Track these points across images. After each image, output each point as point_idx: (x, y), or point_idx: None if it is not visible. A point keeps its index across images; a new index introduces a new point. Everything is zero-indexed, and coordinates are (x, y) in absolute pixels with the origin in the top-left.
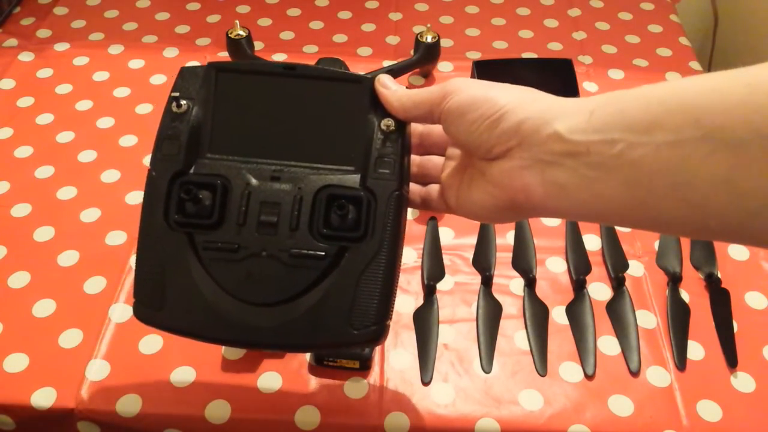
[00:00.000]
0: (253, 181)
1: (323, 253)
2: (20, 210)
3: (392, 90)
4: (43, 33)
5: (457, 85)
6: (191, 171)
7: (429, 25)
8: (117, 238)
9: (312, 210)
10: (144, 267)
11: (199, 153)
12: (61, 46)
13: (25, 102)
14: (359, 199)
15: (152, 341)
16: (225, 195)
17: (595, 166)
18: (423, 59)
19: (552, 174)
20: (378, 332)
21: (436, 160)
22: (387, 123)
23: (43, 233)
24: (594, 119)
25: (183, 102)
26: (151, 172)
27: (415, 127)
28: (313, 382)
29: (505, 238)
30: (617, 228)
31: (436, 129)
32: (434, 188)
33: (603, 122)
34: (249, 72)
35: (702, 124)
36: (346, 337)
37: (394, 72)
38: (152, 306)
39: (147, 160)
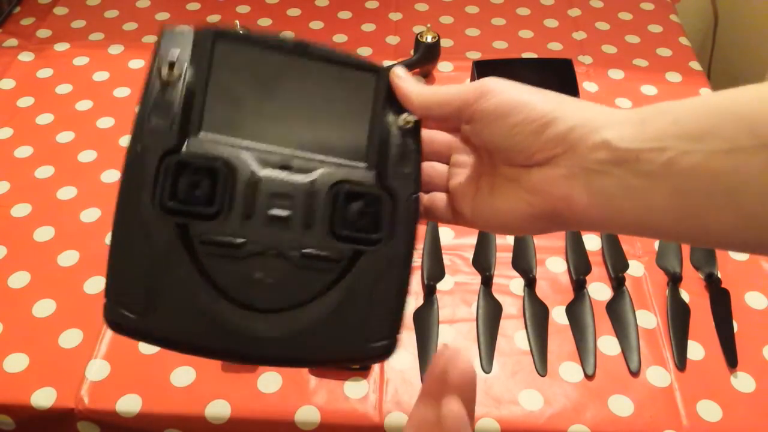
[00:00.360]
0: (260, 169)
1: (339, 256)
2: (20, 210)
3: (412, 84)
4: (43, 33)
5: (494, 86)
6: (183, 150)
7: (429, 25)
8: None
9: (329, 207)
10: (122, 259)
11: (190, 130)
12: (61, 46)
13: (25, 102)
14: (379, 199)
15: None
16: (229, 181)
17: (643, 174)
18: (423, 59)
19: (598, 183)
20: (390, 347)
21: (439, 167)
22: (407, 119)
23: (43, 233)
24: (646, 128)
25: (175, 67)
26: (135, 146)
27: None
28: (313, 382)
29: (504, 238)
30: None
31: (439, 136)
32: (438, 197)
33: (655, 131)
34: (252, 44)
35: (757, 133)
36: (360, 351)
37: None
38: (132, 309)
39: None
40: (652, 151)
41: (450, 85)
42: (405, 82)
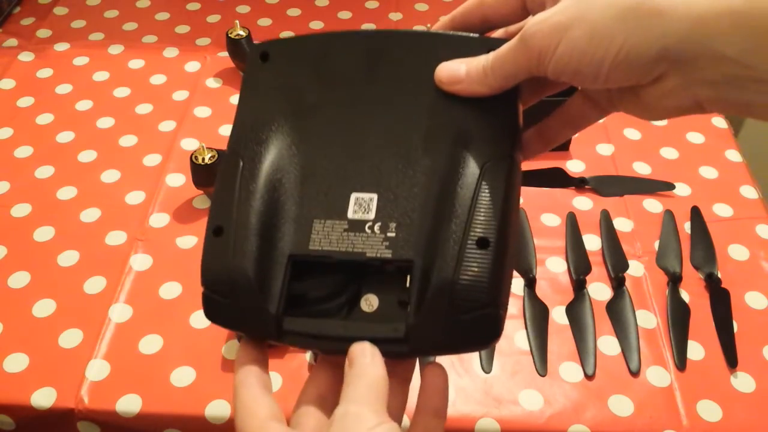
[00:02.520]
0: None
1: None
2: (20, 210)
3: (463, 75)
4: (43, 33)
5: (543, 42)
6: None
7: (429, 25)
8: (117, 238)
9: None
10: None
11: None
12: (61, 46)
13: (25, 102)
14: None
15: (152, 341)
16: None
17: None
18: None
19: (730, 94)
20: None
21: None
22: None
23: (43, 233)
24: None
25: None
26: None
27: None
28: None
29: None
30: (617, 228)
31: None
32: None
33: None
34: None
35: None
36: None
37: None
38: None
39: (147, 161)
40: None
41: (498, 53)
42: (458, 84)
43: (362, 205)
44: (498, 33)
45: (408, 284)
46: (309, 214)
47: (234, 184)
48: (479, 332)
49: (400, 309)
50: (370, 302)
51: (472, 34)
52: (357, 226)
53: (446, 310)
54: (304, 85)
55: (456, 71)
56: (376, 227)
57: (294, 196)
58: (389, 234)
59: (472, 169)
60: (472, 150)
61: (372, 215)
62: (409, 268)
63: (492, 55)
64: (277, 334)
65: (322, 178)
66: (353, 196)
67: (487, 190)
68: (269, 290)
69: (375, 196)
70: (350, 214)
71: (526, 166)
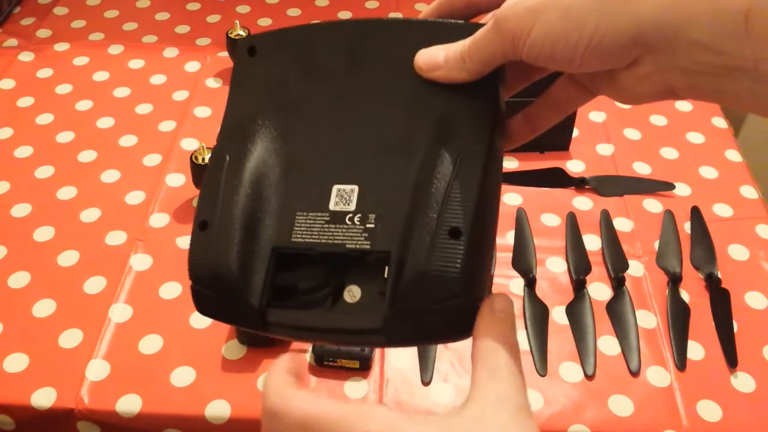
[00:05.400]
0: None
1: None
2: (20, 210)
3: (441, 61)
4: (43, 33)
5: (516, 25)
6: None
7: None
8: (117, 238)
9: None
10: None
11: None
12: (61, 46)
13: (25, 102)
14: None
15: (152, 341)
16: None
17: (766, 81)
18: None
19: (703, 81)
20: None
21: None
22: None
23: (43, 233)
24: (754, 27)
25: None
26: None
27: None
28: (313, 382)
29: (505, 238)
30: (617, 228)
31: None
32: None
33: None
34: None
35: None
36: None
37: None
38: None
39: (147, 161)
40: None
41: (475, 38)
42: (436, 66)
43: (343, 196)
44: (487, 18)
45: (386, 275)
46: (292, 207)
47: (219, 179)
48: (453, 323)
49: (381, 300)
50: (352, 293)
51: (454, 21)
52: (338, 217)
53: (419, 300)
54: (290, 78)
55: (434, 57)
56: (356, 218)
57: (278, 189)
58: (368, 225)
59: (449, 158)
60: (451, 138)
61: (353, 207)
62: (388, 259)
63: (469, 40)
64: (261, 326)
65: (305, 170)
66: (335, 187)
67: (462, 179)
68: (252, 282)
69: (356, 188)
70: (332, 206)
71: (526, 166)
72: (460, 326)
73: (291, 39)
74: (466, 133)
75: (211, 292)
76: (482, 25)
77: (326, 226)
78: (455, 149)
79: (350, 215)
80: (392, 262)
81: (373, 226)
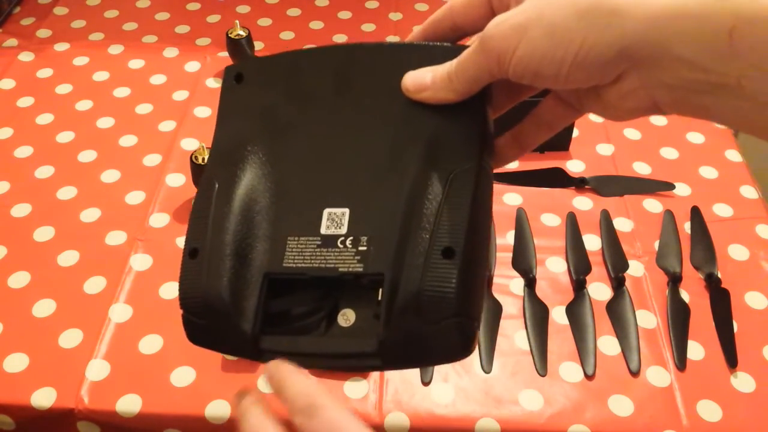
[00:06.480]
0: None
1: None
2: (20, 210)
3: (428, 82)
4: (43, 33)
5: (502, 44)
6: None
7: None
8: (117, 238)
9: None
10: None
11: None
12: (61, 46)
13: (25, 102)
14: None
15: (152, 341)
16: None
17: (750, 98)
18: None
19: (687, 97)
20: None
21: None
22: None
23: (43, 233)
24: (738, 44)
25: None
26: None
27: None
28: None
29: (505, 238)
30: (617, 228)
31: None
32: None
33: (751, 48)
34: None
35: None
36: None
37: None
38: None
39: (147, 161)
40: (762, 77)
41: (461, 60)
42: (423, 88)
43: (335, 220)
44: (472, 40)
45: (380, 297)
46: (283, 232)
47: (209, 206)
48: (449, 344)
49: (376, 322)
50: (347, 317)
51: (440, 43)
52: (330, 241)
53: (413, 321)
54: (278, 103)
55: (422, 79)
56: (348, 241)
57: (269, 215)
58: (361, 248)
59: (439, 178)
60: (440, 159)
61: (344, 230)
62: (381, 281)
63: (455, 60)
64: (255, 354)
65: (295, 195)
66: (326, 211)
67: (453, 199)
68: (245, 310)
69: (347, 211)
70: (323, 230)
71: (526, 166)
72: (456, 346)
73: (278, 65)
74: (455, 153)
75: (203, 320)
76: (468, 47)
77: (318, 250)
78: (445, 169)
79: (342, 238)
80: (386, 284)
81: (365, 248)
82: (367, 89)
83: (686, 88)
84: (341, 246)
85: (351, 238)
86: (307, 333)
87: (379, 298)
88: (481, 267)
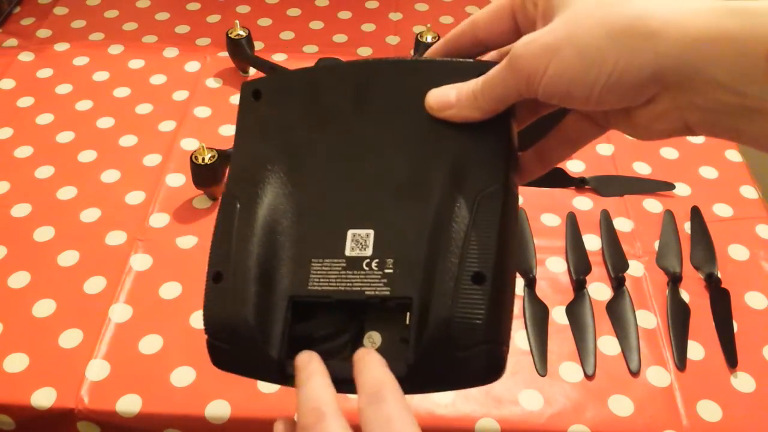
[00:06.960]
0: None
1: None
2: (20, 210)
3: (453, 100)
4: (43, 33)
5: (532, 64)
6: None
7: (429, 25)
8: (117, 238)
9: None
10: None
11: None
12: (61, 46)
13: (25, 102)
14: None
15: (152, 341)
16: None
17: None
18: None
19: (720, 120)
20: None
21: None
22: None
23: (43, 233)
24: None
25: None
26: None
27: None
28: None
29: None
30: (617, 228)
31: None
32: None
33: None
34: None
35: None
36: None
37: None
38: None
39: (147, 161)
40: None
41: (488, 77)
42: (449, 110)
43: (359, 241)
44: (491, 55)
45: (408, 321)
46: (307, 254)
47: (231, 228)
48: (479, 369)
49: (402, 346)
50: (373, 340)
51: (463, 59)
52: (355, 263)
53: (444, 348)
54: (298, 121)
55: (446, 97)
56: (374, 264)
57: (292, 236)
58: (387, 270)
59: (465, 200)
60: (466, 179)
61: (369, 251)
62: (409, 305)
63: (482, 78)
64: (281, 378)
65: (318, 216)
66: (350, 232)
67: (481, 223)
68: (271, 334)
69: (372, 232)
70: (347, 252)
71: None
72: (486, 371)
73: (296, 81)
74: (481, 173)
75: (229, 346)
76: (492, 63)
77: (343, 272)
78: (472, 191)
79: (367, 260)
80: (414, 308)
81: (391, 271)
82: (388, 106)
83: (720, 110)
84: (367, 268)
85: (376, 260)
86: (333, 356)
87: (407, 322)
88: (510, 290)
